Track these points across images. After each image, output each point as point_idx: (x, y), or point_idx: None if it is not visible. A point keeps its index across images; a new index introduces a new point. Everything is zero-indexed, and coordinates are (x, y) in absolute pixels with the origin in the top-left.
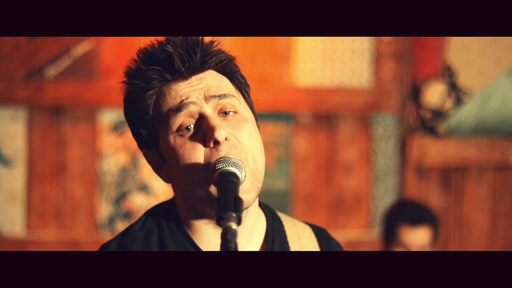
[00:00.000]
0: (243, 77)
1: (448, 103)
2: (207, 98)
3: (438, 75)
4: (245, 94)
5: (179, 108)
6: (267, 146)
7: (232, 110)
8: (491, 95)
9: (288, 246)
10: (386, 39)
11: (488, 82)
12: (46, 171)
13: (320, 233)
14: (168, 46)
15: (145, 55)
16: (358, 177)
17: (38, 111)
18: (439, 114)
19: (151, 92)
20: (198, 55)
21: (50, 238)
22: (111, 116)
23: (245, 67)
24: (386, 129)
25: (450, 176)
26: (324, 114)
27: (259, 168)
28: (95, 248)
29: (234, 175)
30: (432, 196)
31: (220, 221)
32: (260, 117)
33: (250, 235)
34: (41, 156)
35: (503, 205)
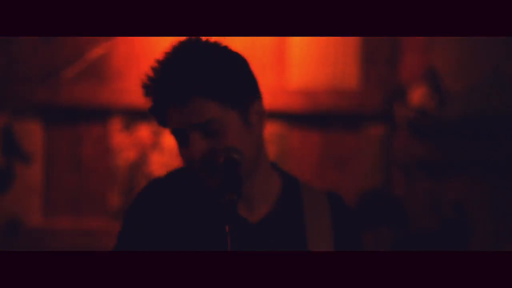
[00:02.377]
0: (233, 81)
1: (433, 104)
2: (192, 126)
3: (423, 77)
4: (237, 98)
5: (171, 130)
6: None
7: (215, 132)
8: (475, 95)
9: (302, 214)
10: (374, 43)
11: (472, 83)
12: (62, 166)
13: (335, 202)
14: (154, 81)
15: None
16: (348, 174)
17: (55, 111)
18: (424, 114)
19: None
20: (180, 88)
21: (67, 227)
22: (122, 115)
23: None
24: (373, 129)
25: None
26: (316, 115)
27: (247, 159)
28: (108, 236)
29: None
30: (419, 193)
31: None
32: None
33: (251, 204)
34: (58, 152)
35: None
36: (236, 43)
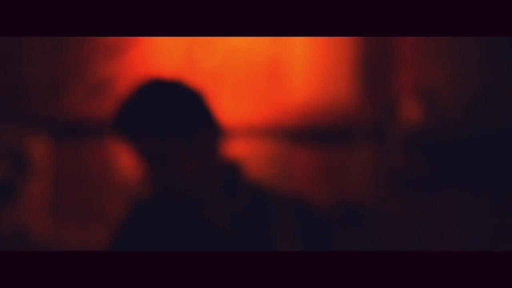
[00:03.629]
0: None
1: (425, 120)
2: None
3: (416, 92)
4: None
5: None
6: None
7: None
8: (467, 112)
9: None
10: (366, 57)
11: (464, 99)
12: (70, 181)
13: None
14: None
15: None
16: (338, 188)
17: (63, 126)
18: (416, 130)
19: None
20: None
21: (74, 242)
22: None
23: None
24: (365, 144)
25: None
26: (306, 130)
27: None
28: None
29: None
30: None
31: None
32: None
33: None
34: (66, 167)
35: None
36: (231, 59)
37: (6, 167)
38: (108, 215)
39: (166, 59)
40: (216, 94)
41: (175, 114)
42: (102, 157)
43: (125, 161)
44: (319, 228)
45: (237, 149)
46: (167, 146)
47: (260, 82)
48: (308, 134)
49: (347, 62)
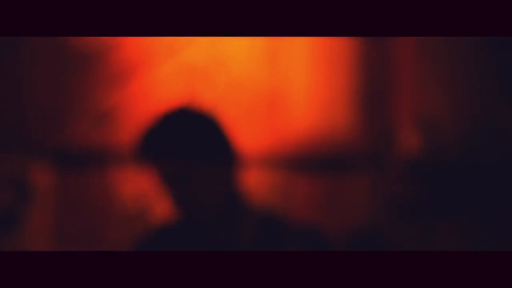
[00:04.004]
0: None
1: (425, 146)
2: None
3: (415, 118)
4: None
5: None
6: None
7: None
8: (466, 140)
9: None
10: (364, 83)
11: (464, 127)
12: (75, 210)
13: None
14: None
15: None
16: (337, 216)
17: (68, 155)
18: (415, 158)
19: None
20: None
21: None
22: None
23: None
24: (364, 172)
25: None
26: (304, 157)
27: None
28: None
29: None
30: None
31: None
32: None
33: None
34: (69, 193)
35: None
36: (232, 90)
37: (9, 196)
38: (110, 244)
39: (167, 90)
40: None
41: (196, 140)
42: (105, 186)
43: (127, 190)
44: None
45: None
46: (189, 170)
47: (260, 113)
48: (307, 163)
49: (346, 91)
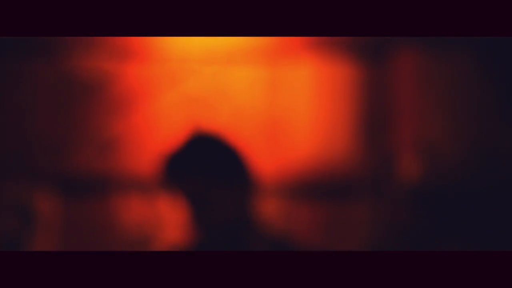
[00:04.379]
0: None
1: (425, 172)
2: None
3: (415, 144)
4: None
5: None
6: None
7: None
8: (467, 165)
9: None
10: (363, 109)
11: (464, 152)
12: (80, 237)
13: None
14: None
15: None
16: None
17: (73, 183)
18: (415, 183)
19: None
20: None
21: None
22: (140, 189)
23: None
24: (363, 198)
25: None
26: (304, 184)
27: None
28: None
29: None
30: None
31: None
32: None
33: None
34: (73, 220)
35: None
36: (235, 119)
37: (13, 222)
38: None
39: (170, 120)
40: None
41: (217, 164)
42: (109, 213)
43: (131, 217)
44: None
45: None
46: (211, 193)
47: (262, 140)
48: (309, 189)
49: (347, 118)
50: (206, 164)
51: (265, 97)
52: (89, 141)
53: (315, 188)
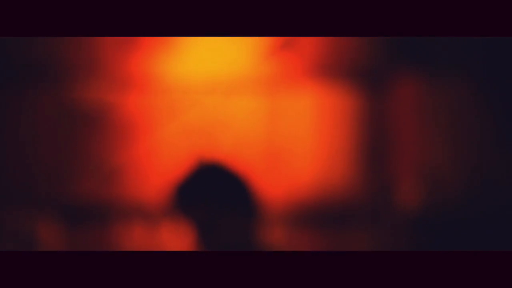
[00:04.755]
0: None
1: (425, 200)
2: None
3: (416, 170)
4: None
5: None
6: None
7: None
8: (467, 192)
9: None
10: (362, 135)
11: (465, 175)
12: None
13: None
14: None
15: None
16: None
17: (76, 211)
18: (415, 210)
19: None
20: None
21: None
22: (144, 218)
23: None
24: (367, 224)
25: None
26: (302, 212)
27: None
28: None
29: None
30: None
31: None
32: None
33: None
34: (76, 248)
35: None
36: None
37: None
38: None
39: (173, 150)
40: None
41: (224, 192)
42: (111, 240)
43: (134, 246)
44: None
45: None
46: (218, 219)
47: (264, 169)
48: (309, 216)
49: (347, 146)
50: (211, 192)
51: (266, 126)
52: (91, 171)
53: (316, 215)
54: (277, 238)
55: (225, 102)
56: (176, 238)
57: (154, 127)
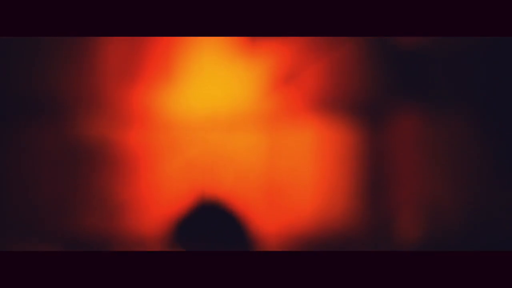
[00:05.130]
0: None
1: (424, 236)
2: None
3: (415, 202)
4: None
5: None
6: None
7: None
8: (468, 228)
9: None
10: (362, 171)
11: (466, 208)
12: None
13: None
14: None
15: None
16: None
17: (78, 240)
18: (414, 246)
19: None
20: None
21: None
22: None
23: None
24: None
25: None
26: (314, 246)
27: None
28: None
29: None
30: None
31: None
32: None
33: None
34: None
35: None
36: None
37: None
38: None
39: (175, 188)
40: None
41: (220, 228)
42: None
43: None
44: None
45: None
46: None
47: (266, 206)
48: (310, 251)
49: (348, 180)
50: (211, 229)
51: (267, 161)
52: (93, 207)
53: (316, 250)
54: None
55: (226, 138)
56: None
57: (155, 163)
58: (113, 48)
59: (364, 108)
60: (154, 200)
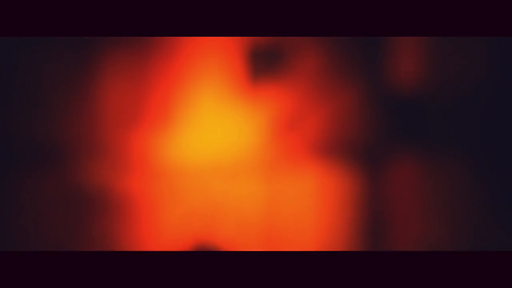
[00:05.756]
0: None
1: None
2: None
3: (415, 239)
4: None
5: None
6: None
7: None
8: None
9: None
10: (362, 214)
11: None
12: None
13: None
14: None
15: None
16: None
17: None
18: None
19: None
20: None
21: None
22: None
23: None
24: None
25: None
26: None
27: None
28: None
29: None
30: None
31: None
32: None
33: None
34: None
35: None
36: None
37: None
38: None
39: (177, 232)
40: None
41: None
42: None
43: None
44: None
45: None
46: None
47: (264, 245)
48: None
49: (348, 226)
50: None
51: (267, 209)
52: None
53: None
54: None
55: (226, 186)
56: None
57: (154, 210)
58: (114, 96)
59: (364, 153)
60: (154, 246)
